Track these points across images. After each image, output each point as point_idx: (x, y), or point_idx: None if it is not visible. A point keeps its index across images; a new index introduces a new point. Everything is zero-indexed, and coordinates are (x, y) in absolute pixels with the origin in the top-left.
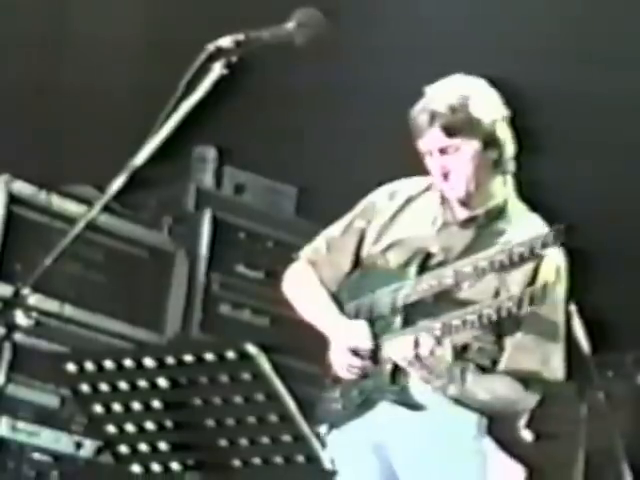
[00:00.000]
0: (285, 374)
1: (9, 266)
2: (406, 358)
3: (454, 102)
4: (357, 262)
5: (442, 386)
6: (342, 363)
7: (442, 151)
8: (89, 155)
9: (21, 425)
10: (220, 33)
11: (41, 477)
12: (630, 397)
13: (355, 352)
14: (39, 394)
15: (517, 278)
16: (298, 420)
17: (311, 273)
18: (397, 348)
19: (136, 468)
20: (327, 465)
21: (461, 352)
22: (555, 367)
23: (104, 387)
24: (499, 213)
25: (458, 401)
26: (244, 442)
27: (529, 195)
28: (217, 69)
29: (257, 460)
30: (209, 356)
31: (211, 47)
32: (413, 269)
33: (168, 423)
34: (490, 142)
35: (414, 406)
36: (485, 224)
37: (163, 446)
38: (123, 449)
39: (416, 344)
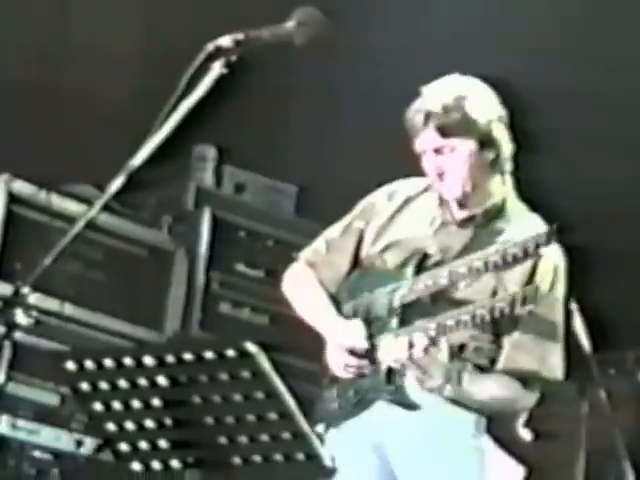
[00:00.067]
0: (285, 372)
1: (9, 265)
2: (399, 360)
3: (449, 102)
4: (356, 263)
5: (438, 387)
6: (338, 363)
7: (437, 151)
8: (89, 155)
9: (21, 423)
10: (220, 32)
11: (41, 475)
12: (632, 395)
13: (351, 352)
14: (39, 392)
15: (515, 278)
16: (298, 418)
17: (310, 274)
18: (391, 349)
19: (136, 466)
20: (327, 462)
21: (458, 352)
22: (554, 366)
23: (104, 385)
24: (498, 213)
25: (455, 401)
26: (244, 440)
27: (529, 195)
28: (217, 68)
29: (257, 458)
30: (209, 354)
31: (211, 46)
32: (410, 269)
33: (168, 421)
34: (486, 142)
35: (410, 406)
36: (483, 224)
37: (163, 444)
38: (123, 447)
39: (410, 345)
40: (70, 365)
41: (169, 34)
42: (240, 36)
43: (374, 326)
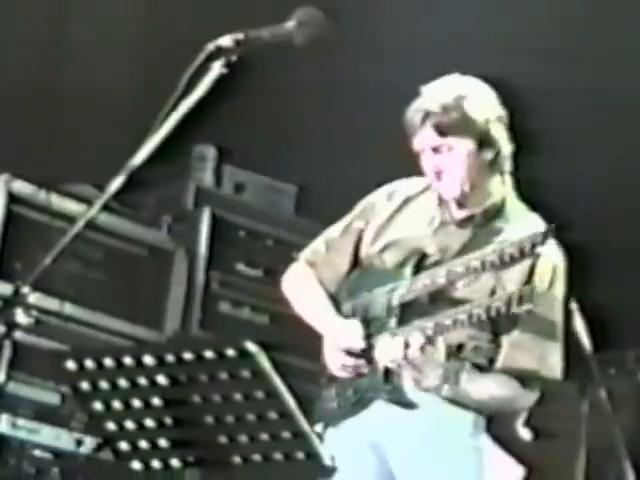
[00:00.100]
0: (285, 372)
1: (9, 265)
2: (395, 360)
3: (448, 101)
4: (356, 262)
5: (436, 386)
6: (336, 362)
7: (435, 150)
8: (88, 154)
9: (21, 422)
10: (220, 32)
11: (41, 474)
12: (632, 394)
13: (348, 352)
14: (39, 392)
15: (513, 277)
16: (298, 417)
17: (310, 274)
18: (388, 348)
19: (136, 465)
20: (327, 461)
21: (456, 351)
22: (553, 365)
23: (104, 385)
24: (497, 212)
25: (453, 401)
26: (244, 439)
27: (529, 195)
28: (217, 68)
29: (257, 457)
30: (209, 354)
31: (211, 46)
32: (409, 269)
33: (168, 420)
34: (485, 142)
35: (408, 405)
36: (483, 224)
37: (163, 443)
38: (123, 446)
39: (406, 345)
40: (70, 364)
41: (169, 34)
42: (240, 36)
43: (373, 326)
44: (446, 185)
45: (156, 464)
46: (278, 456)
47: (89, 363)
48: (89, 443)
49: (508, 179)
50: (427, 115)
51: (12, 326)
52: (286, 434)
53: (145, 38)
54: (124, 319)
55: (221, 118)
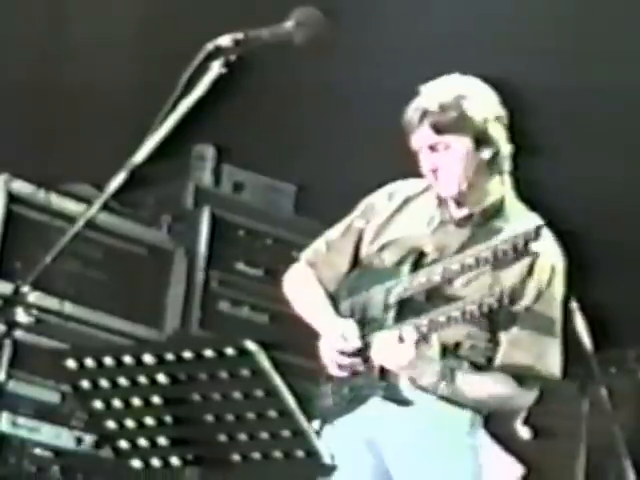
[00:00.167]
0: (284, 370)
1: (9, 264)
2: (399, 365)
3: (447, 101)
4: (356, 262)
5: (431, 384)
6: (332, 361)
7: (432, 148)
8: (88, 154)
9: (22, 421)
10: (219, 32)
11: (42, 472)
12: (633, 393)
13: (342, 351)
14: (40, 390)
15: (511, 276)
16: (297, 415)
17: (310, 273)
18: (383, 346)
19: (136, 463)
20: (326, 460)
21: (453, 350)
22: (552, 362)
23: (104, 383)
24: (496, 212)
25: (449, 399)
26: (243, 437)
27: (528, 195)
28: (216, 68)
29: (256, 455)
30: (208, 353)
31: (210, 46)
32: (407, 267)
33: (168, 418)
34: (482, 140)
35: (403, 402)
36: (482, 223)
37: (163, 441)
38: (123, 444)
39: (400, 340)
40: (70, 363)
41: (168, 34)
42: (239, 36)
43: (370, 324)
44: (443, 183)
45: (156, 462)
46: (278, 454)
47: (89, 362)
48: (89, 441)
49: (507, 179)
50: (425, 114)
51: (12, 325)
52: (286, 432)
53: (144, 38)
54: (124, 318)
55: (220, 118)
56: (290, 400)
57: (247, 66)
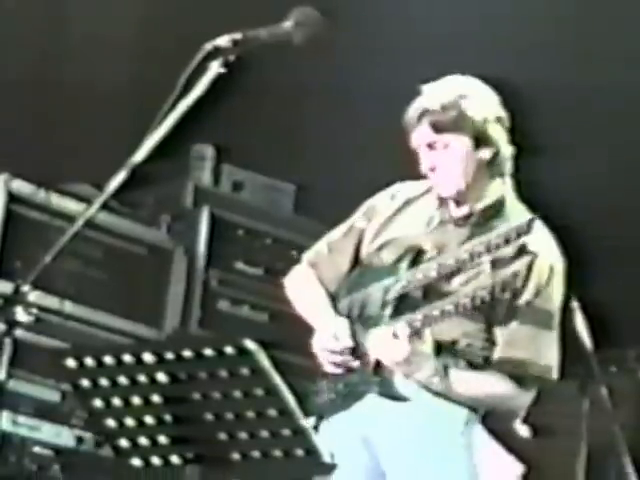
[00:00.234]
0: (284, 369)
1: (9, 264)
2: (396, 361)
3: (447, 100)
4: (357, 262)
5: (425, 380)
6: (326, 359)
7: (430, 146)
8: (88, 154)
9: (22, 419)
10: (218, 32)
11: (42, 470)
12: (633, 392)
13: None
14: (40, 389)
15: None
16: (297, 414)
17: (311, 274)
18: (378, 342)
19: (136, 461)
20: (326, 458)
21: (449, 348)
22: (549, 356)
23: (104, 382)
24: (496, 212)
25: (444, 396)
26: (243, 436)
27: (528, 195)
28: (215, 68)
29: (256, 453)
30: (208, 351)
31: (209, 46)
32: (405, 265)
33: (167, 417)
34: (482, 140)
35: (398, 398)
36: (481, 223)
37: (163, 440)
38: (123, 443)
39: (394, 336)
40: (70, 362)
41: (167, 34)
42: (238, 36)
43: (368, 321)
44: (441, 182)
45: (156, 461)
46: (277, 453)
47: (89, 361)
48: (89, 440)
49: (508, 180)
50: (424, 113)
51: (12, 324)
52: (285, 431)
53: (144, 38)
54: (124, 317)
55: (219, 117)
56: (290, 399)
57: (246, 66)
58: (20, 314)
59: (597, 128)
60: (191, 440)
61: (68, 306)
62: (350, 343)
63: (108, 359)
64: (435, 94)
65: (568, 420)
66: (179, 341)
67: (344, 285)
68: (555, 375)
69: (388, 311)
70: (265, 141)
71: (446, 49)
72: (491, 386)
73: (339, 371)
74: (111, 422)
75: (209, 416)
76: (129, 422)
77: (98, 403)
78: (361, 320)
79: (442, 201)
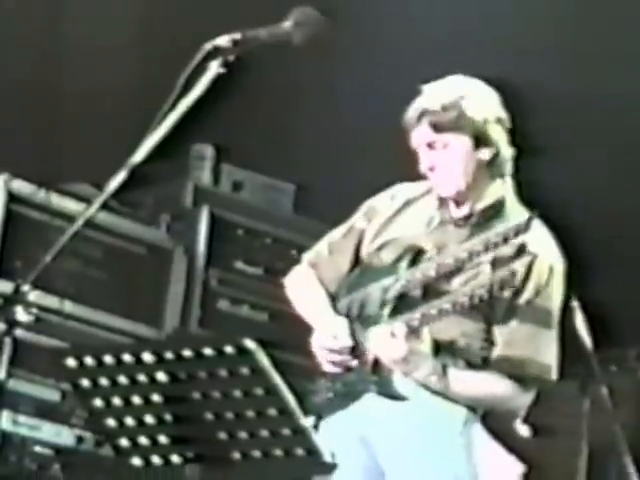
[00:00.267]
0: (284, 369)
1: (9, 263)
2: (394, 359)
3: (447, 101)
4: (357, 262)
5: (423, 378)
6: (323, 358)
7: (429, 146)
8: (87, 153)
9: (22, 419)
10: (217, 32)
11: (43, 470)
12: (633, 392)
13: (332, 349)
14: (40, 389)
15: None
16: (297, 414)
17: (311, 274)
18: (377, 341)
19: (136, 461)
20: (326, 458)
21: (448, 347)
22: (548, 354)
23: (104, 381)
24: (496, 213)
25: (443, 395)
26: (244, 435)
27: (528, 196)
28: (214, 68)
29: (257, 453)
30: (208, 351)
31: (208, 46)
32: (404, 264)
33: (168, 417)
34: (481, 140)
35: (397, 397)
36: (481, 223)
37: (163, 439)
38: (123, 442)
39: (392, 335)
40: (70, 362)
41: (167, 34)
42: (238, 36)
43: (367, 320)
44: (441, 182)
45: (156, 460)
46: (278, 452)
47: (89, 360)
48: (89, 439)
49: (508, 181)
50: (424, 113)
51: (12, 324)
52: (286, 430)
53: (143, 38)
54: (124, 317)
55: (219, 117)
56: (290, 398)
57: (245, 66)
58: (20, 314)
59: (597, 128)
60: (191, 440)
61: (68, 306)
62: (349, 342)
63: (108, 359)
64: (435, 94)
65: (569, 420)
66: (179, 341)
67: (344, 285)
68: (554, 374)
69: (387, 310)
70: (265, 141)
71: (446, 49)
72: (490, 386)
73: (338, 370)
74: (111, 422)
75: (209, 416)
76: (129, 422)
77: (98, 403)
78: (360, 319)
79: (442, 202)
